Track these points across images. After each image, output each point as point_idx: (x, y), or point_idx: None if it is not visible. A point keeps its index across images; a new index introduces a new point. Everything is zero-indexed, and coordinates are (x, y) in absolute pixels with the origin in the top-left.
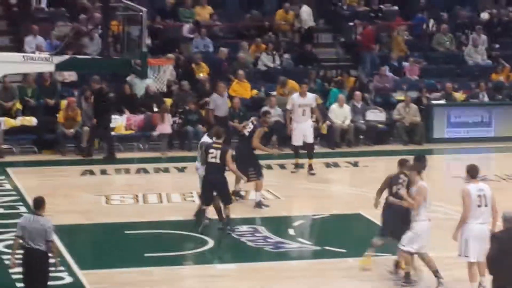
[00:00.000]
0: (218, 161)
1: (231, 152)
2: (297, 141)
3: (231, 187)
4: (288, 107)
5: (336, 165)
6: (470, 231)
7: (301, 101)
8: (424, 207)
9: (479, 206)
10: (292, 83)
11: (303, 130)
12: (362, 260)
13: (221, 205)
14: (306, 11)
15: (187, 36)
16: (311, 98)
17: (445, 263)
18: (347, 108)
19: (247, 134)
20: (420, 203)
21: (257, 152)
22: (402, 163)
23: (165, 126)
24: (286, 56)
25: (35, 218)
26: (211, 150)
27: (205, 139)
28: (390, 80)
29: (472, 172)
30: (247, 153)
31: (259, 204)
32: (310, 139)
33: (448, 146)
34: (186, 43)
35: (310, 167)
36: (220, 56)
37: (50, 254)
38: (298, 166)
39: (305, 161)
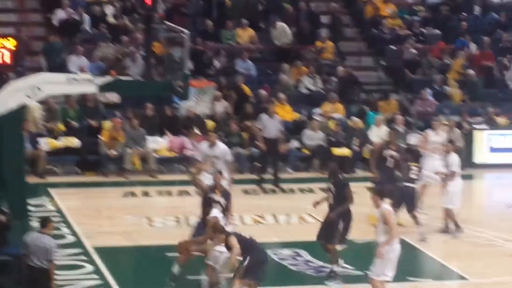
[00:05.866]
0: None
1: None
2: None
3: None
4: (198, 157)
5: None
6: (396, 251)
7: (209, 152)
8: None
9: None
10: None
11: None
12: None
13: None
14: None
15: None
16: (222, 150)
17: None
18: (384, 129)
19: None
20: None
21: None
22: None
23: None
24: (334, 79)
25: (39, 236)
26: None
27: None
28: (432, 104)
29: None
30: None
31: None
32: None
33: (490, 171)
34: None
35: None
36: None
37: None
38: None
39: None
